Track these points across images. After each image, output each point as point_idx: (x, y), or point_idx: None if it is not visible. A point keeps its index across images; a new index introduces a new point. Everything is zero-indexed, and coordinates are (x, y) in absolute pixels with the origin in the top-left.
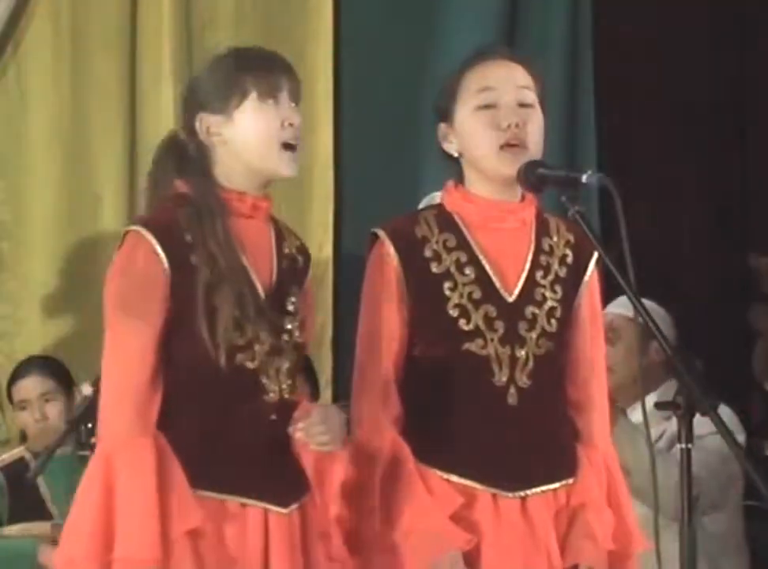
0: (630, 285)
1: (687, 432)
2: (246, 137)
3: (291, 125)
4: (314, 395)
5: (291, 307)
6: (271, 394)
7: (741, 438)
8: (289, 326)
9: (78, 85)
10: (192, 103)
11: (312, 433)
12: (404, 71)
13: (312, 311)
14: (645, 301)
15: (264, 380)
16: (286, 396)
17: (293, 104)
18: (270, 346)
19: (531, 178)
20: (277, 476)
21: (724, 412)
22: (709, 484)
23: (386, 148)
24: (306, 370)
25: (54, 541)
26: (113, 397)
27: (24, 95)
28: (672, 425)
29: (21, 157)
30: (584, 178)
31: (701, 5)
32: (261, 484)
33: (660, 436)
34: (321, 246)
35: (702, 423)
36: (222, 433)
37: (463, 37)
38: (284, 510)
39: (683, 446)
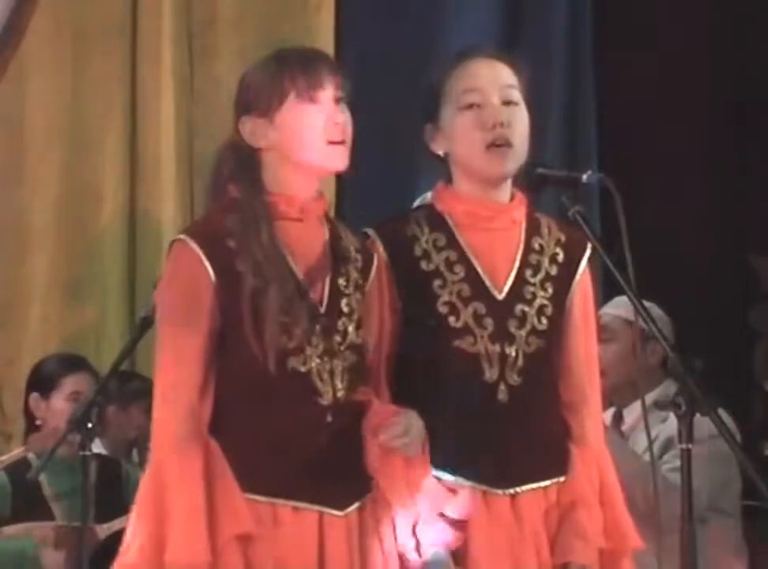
0: (630, 286)
1: (687, 432)
2: (290, 139)
3: (335, 123)
4: None
5: (346, 308)
6: (325, 397)
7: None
8: (343, 328)
9: (78, 85)
10: (238, 106)
11: (397, 444)
12: (405, 71)
13: (376, 312)
14: (644, 302)
15: (317, 383)
16: (341, 398)
17: (339, 101)
18: (323, 348)
19: (531, 178)
20: (333, 478)
21: (720, 414)
22: (702, 489)
23: (387, 150)
24: None
25: (56, 543)
26: (163, 404)
27: (24, 95)
28: (667, 429)
29: (21, 157)
30: (584, 178)
31: (701, 5)
32: (315, 487)
33: (654, 440)
34: None
35: (695, 428)
36: (274, 437)
37: (463, 37)
38: (339, 513)
39: (684, 446)
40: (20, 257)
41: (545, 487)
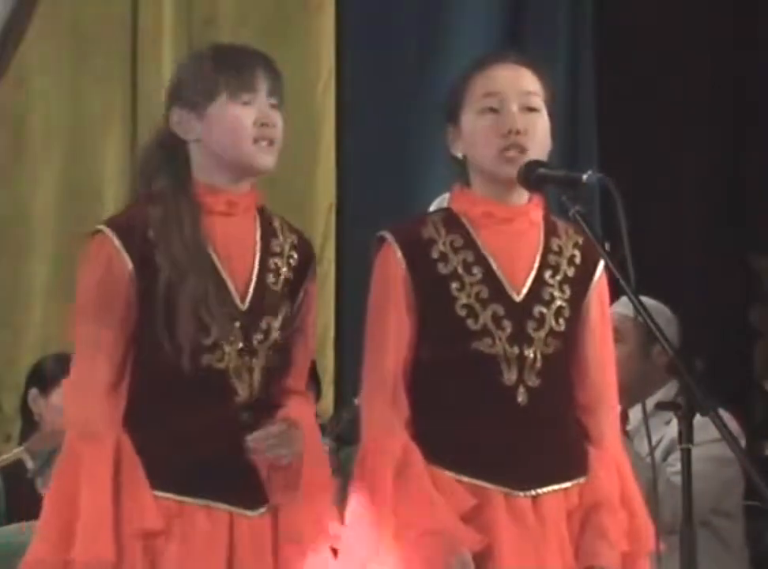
0: (630, 286)
1: (687, 432)
2: (217, 136)
3: (264, 124)
4: (317, 395)
5: (271, 306)
6: (241, 395)
7: (741, 442)
8: (266, 326)
9: (78, 85)
10: (170, 95)
11: (267, 445)
12: (407, 71)
13: (313, 310)
14: (651, 302)
15: (234, 381)
16: (259, 397)
17: (273, 102)
18: (242, 346)
19: (531, 177)
20: (246, 478)
21: (724, 416)
22: (706, 492)
23: (389, 149)
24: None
25: None
26: (75, 395)
27: (24, 94)
28: (670, 431)
29: (21, 157)
30: (584, 178)
31: (701, 5)
32: (227, 486)
33: (658, 443)
34: (324, 248)
35: (698, 431)
36: (187, 434)
37: (465, 37)
38: (251, 513)
39: (684, 446)
40: (20, 257)
41: (566, 489)
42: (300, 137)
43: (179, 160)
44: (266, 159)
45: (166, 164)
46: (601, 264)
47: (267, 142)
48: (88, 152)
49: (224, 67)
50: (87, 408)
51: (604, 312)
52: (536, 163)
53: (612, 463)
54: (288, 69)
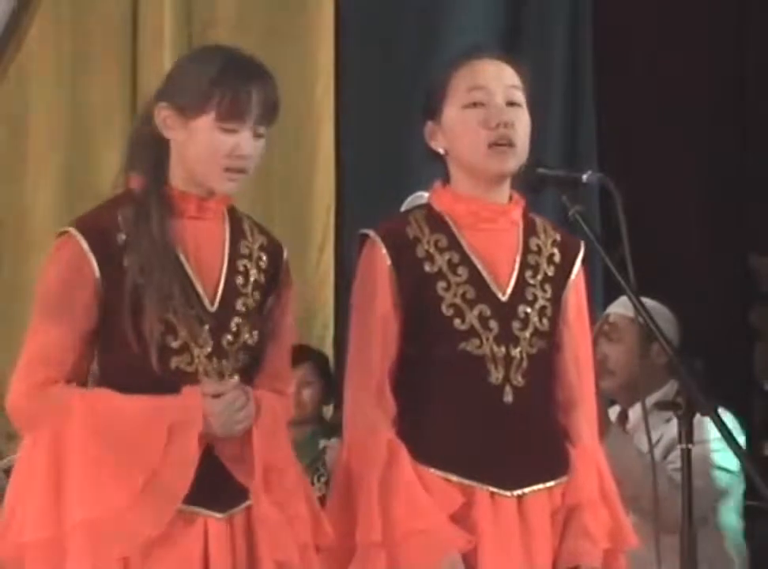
0: (630, 285)
1: (687, 432)
2: (193, 150)
3: (240, 156)
4: (329, 395)
5: (241, 308)
6: None
7: (740, 440)
8: (236, 328)
9: (79, 85)
10: (163, 86)
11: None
12: (406, 71)
13: (288, 310)
14: (651, 302)
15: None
16: None
17: (260, 132)
18: (212, 348)
19: (531, 178)
20: (215, 481)
21: (723, 415)
22: (705, 492)
23: (388, 149)
24: (322, 370)
25: None
26: (22, 386)
27: (25, 95)
28: (670, 429)
29: (21, 157)
30: (584, 178)
31: (702, 5)
32: (196, 489)
33: (658, 441)
34: (323, 248)
35: (698, 429)
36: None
37: (465, 37)
38: (219, 516)
39: (684, 446)
40: (20, 257)
41: (550, 488)
42: (299, 137)
43: (159, 156)
44: (230, 186)
45: (146, 158)
46: (578, 262)
47: (236, 171)
48: (88, 152)
49: (222, 84)
50: (29, 399)
51: (581, 311)
52: (536, 163)
53: (591, 461)
54: (288, 70)
